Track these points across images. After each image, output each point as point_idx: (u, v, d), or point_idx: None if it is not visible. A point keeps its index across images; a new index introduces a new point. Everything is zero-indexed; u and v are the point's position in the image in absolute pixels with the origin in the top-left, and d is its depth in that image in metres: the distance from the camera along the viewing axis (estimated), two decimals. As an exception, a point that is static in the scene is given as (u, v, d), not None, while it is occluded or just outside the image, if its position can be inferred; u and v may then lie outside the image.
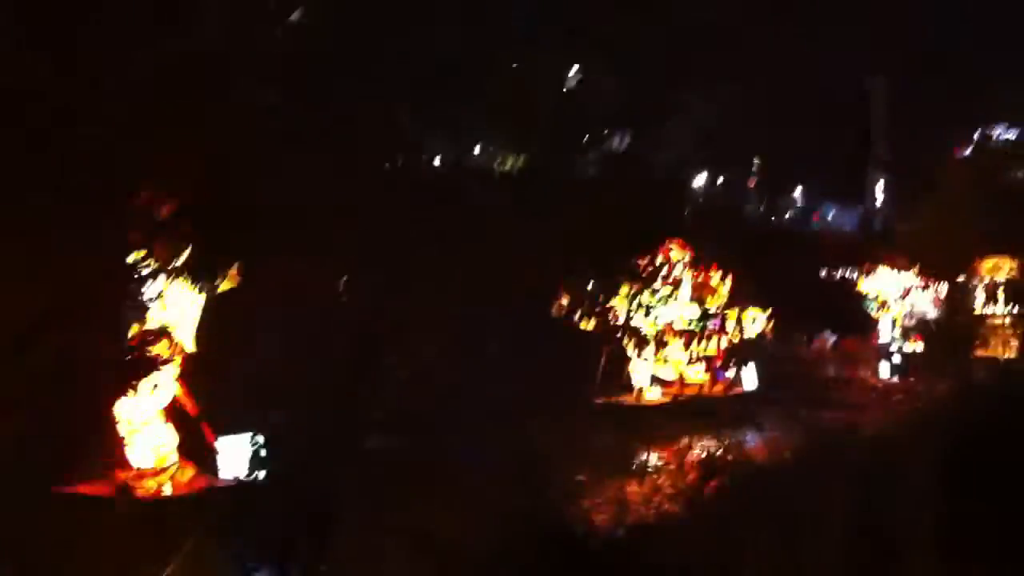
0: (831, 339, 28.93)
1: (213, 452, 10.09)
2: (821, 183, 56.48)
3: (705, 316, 17.86)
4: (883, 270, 27.91)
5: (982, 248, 31.81)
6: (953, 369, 22.90)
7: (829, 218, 49.09)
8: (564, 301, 15.78)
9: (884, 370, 25.70)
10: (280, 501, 10.19)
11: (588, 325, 16.21)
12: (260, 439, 10.64)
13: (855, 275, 30.08)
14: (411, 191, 18.58)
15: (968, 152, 42.95)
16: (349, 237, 14.91)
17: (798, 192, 57.25)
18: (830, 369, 26.63)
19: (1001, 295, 31.10)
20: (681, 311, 17.48)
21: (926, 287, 27.47)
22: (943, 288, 28.13)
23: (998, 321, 30.56)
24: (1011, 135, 42.69)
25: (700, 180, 56.43)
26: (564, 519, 10.42)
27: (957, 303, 29.59)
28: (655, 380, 17.60)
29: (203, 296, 9.75)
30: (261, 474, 10.61)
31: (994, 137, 42.76)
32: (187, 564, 8.29)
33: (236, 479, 10.22)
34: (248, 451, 10.54)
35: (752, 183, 52.98)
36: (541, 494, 11.62)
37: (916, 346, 27.07)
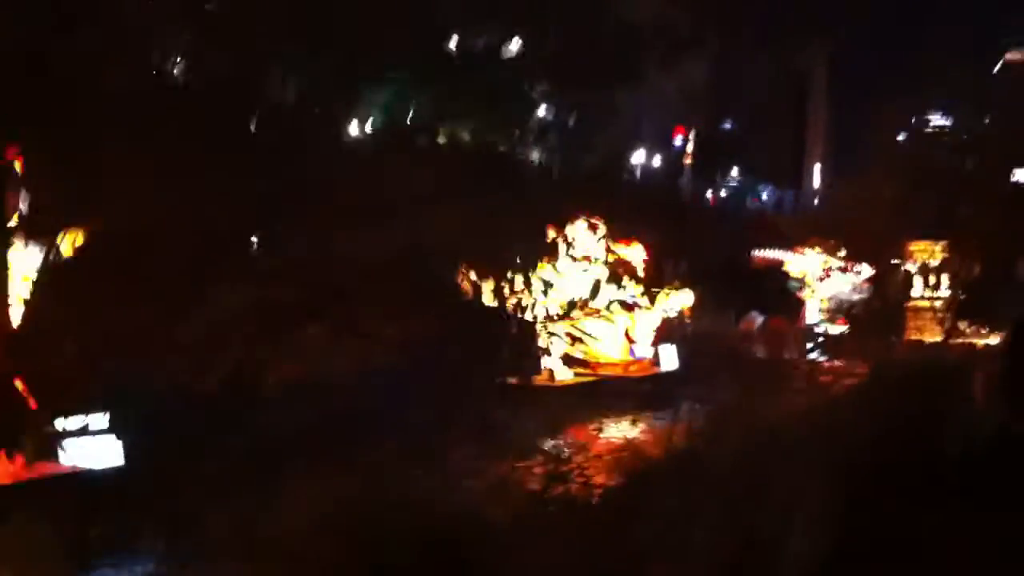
0: (758, 319, 28.20)
1: (47, 437, 8.88)
2: (759, 163, 56.14)
3: (621, 293, 16.91)
4: (809, 252, 27.28)
5: (914, 232, 31.33)
6: (876, 351, 22.22)
7: (764, 198, 48.74)
8: (471, 277, 14.68)
9: (809, 351, 25.05)
10: (130, 492, 9.06)
11: (492, 302, 15.14)
12: (105, 420, 9.44)
13: (785, 256, 29.49)
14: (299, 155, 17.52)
15: (903, 137, 42.50)
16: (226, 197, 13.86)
17: (734, 172, 56.81)
18: (757, 350, 25.92)
19: (932, 279, 30.64)
20: (595, 286, 16.53)
21: (847, 270, 26.88)
22: (865, 271, 27.54)
23: (926, 304, 30.06)
24: (947, 121, 42.38)
25: (637, 156, 55.81)
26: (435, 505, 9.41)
27: (886, 286, 29.03)
28: (571, 361, 16.67)
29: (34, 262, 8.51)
30: (109, 461, 9.42)
31: (930, 123, 42.44)
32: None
33: (75, 467, 9.00)
34: (96, 434, 9.33)
35: (687, 160, 52.45)
36: (421, 478, 10.64)
37: (842, 328, 26.47)
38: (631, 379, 16.99)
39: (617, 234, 18.08)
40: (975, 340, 27.54)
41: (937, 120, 43.20)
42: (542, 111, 54.17)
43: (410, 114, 40.03)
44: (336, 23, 34.54)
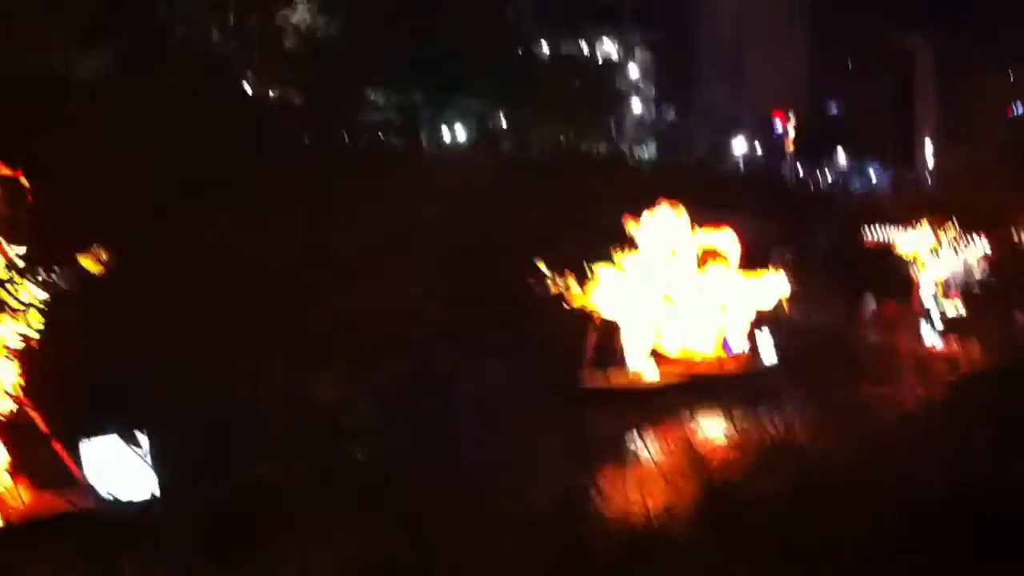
0: (871, 304, 26.28)
1: (70, 467, 8.13)
2: (866, 145, 53.52)
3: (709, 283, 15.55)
4: (922, 229, 25.24)
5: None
6: (996, 335, 20.19)
7: (874, 180, 46.29)
8: (545, 274, 13.55)
9: (926, 336, 23.02)
10: (174, 524, 8.23)
11: (576, 300, 13.97)
12: (144, 444, 8.63)
13: (896, 236, 27.46)
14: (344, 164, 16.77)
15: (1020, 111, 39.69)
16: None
17: (840, 154, 54.33)
18: (871, 337, 24.05)
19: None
20: (681, 277, 15.21)
21: (960, 246, 24.71)
22: (981, 247, 25.31)
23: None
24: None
25: (739, 146, 53.94)
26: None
27: (1005, 262, 26.69)
28: (658, 358, 15.39)
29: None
30: (147, 489, 8.63)
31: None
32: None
33: (110, 496, 8.22)
34: (125, 459, 8.53)
35: (789, 146, 50.24)
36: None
37: (957, 306, 24.35)
38: (727, 376, 15.56)
39: (705, 221, 16.72)
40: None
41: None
42: (637, 108, 53.04)
43: (502, 119, 39.41)
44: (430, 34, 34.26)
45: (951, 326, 23.46)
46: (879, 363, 18.96)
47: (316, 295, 15.57)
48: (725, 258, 15.91)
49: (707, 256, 16.00)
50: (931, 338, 22.98)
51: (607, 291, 14.13)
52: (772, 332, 17.93)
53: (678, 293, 15.02)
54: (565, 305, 14.07)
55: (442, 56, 34.55)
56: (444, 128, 37.71)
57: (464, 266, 17.01)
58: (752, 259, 28.38)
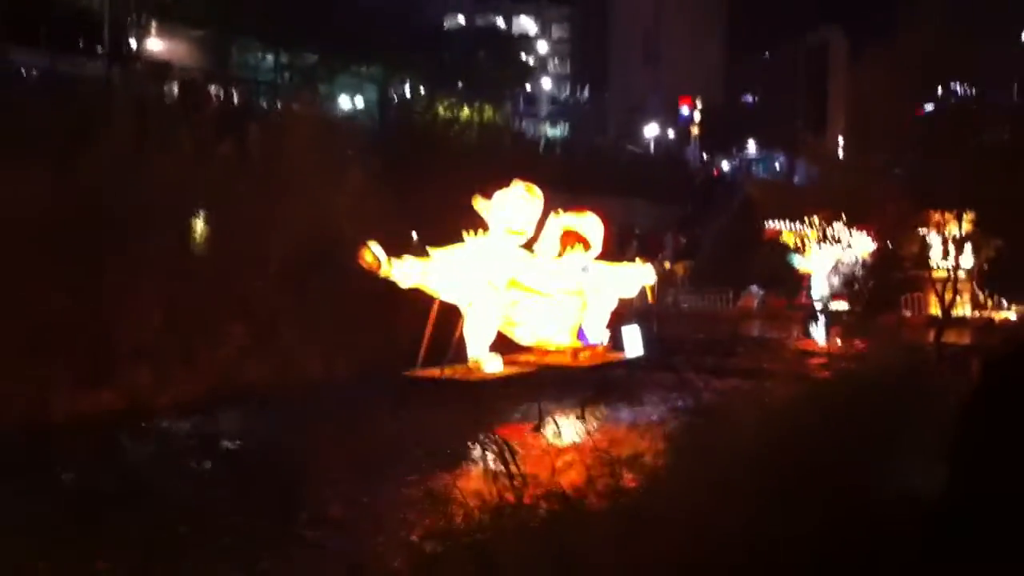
0: (758, 295, 25.43)
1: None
2: (778, 136, 52.96)
3: (565, 269, 14.28)
4: (815, 222, 24.45)
5: (935, 202, 28.27)
6: (876, 333, 19.36)
7: (777, 169, 45.62)
8: (375, 253, 12.08)
9: (810, 331, 22.23)
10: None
11: (407, 284, 12.53)
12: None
13: (789, 227, 26.65)
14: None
15: (929, 109, 39.25)
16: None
17: (751, 144, 53.72)
18: (754, 329, 23.21)
19: (952, 250, 27.55)
20: (536, 263, 13.90)
21: (850, 239, 23.96)
22: (872, 240, 24.60)
23: (945, 275, 26.98)
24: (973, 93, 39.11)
25: (650, 129, 52.92)
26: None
27: (895, 258, 26.04)
28: (510, 348, 14.12)
29: None
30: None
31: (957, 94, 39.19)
32: None
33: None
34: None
35: (694, 131, 49.42)
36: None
37: (841, 305, 23.61)
38: (581, 368, 14.34)
39: (571, 204, 15.45)
40: (995, 314, 24.57)
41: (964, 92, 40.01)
42: (548, 85, 51.69)
43: (404, 90, 37.78)
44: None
45: (835, 322, 22.71)
46: (754, 357, 17.97)
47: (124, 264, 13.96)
48: (586, 242, 14.60)
49: (569, 241, 14.69)
50: (814, 333, 22.19)
51: (446, 274, 12.73)
52: (642, 322, 16.85)
53: (530, 278, 13.67)
54: (401, 288, 12.64)
55: (339, 19, 32.87)
56: (341, 95, 35.99)
57: (303, 243, 15.50)
58: (645, 243, 27.46)
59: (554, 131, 46.80)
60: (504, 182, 14.11)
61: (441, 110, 35.24)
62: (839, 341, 20.12)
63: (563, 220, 14.76)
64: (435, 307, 12.79)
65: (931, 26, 27.01)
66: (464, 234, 13.33)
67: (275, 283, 14.79)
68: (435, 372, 12.50)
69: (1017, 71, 32.86)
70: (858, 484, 6.45)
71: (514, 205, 13.38)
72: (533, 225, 13.61)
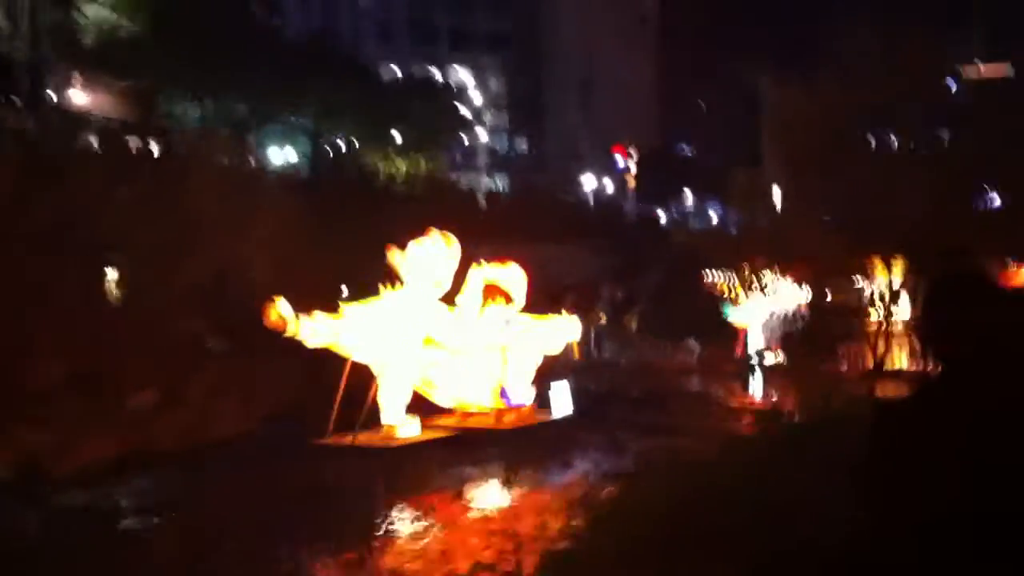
0: (696, 349, 24.84)
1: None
2: (714, 184, 53.08)
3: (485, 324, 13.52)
4: (748, 272, 24.02)
5: (874, 249, 28.08)
6: (811, 387, 18.81)
7: (715, 220, 45.48)
8: (282, 311, 11.23)
9: (747, 385, 21.66)
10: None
11: (317, 342, 11.68)
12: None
13: (724, 277, 26.28)
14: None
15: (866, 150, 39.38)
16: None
17: (687, 193, 53.74)
18: (691, 383, 22.55)
19: (886, 298, 27.32)
20: (454, 318, 13.12)
21: (791, 287, 23.55)
22: (806, 290, 24.23)
23: (886, 325, 26.68)
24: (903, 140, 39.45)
25: (588, 181, 52.73)
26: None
27: (831, 309, 25.69)
28: (428, 411, 13.31)
29: None
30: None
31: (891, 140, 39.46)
32: None
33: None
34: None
35: (631, 181, 49.20)
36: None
37: (777, 355, 23.10)
38: (505, 432, 13.51)
39: (491, 256, 14.74)
40: (932, 367, 24.21)
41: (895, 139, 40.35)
42: (484, 136, 51.40)
43: (335, 141, 37.06)
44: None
45: (772, 375, 22.20)
46: (688, 413, 17.31)
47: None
48: (509, 297, 13.87)
49: (490, 294, 13.95)
50: (752, 387, 21.63)
51: (359, 332, 11.90)
52: (570, 379, 16.13)
53: (447, 335, 12.87)
54: (309, 347, 11.78)
55: (267, 68, 32.12)
56: (272, 146, 35.17)
57: (214, 297, 14.60)
58: (581, 294, 26.81)
59: (492, 182, 46.36)
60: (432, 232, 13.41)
61: (375, 161, 34.56)
62: (774, 396, 19.58)
63: (485, 272, 14.04)
64: (347, 368, 11.92)
65: (855, 72, 26.96)
66: (381, 288, 12.58)
67: (184, 337, 13.86)
68: (347, 439, 11.61)
69: (946, 115, 33.03)
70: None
71: (430, 257, 12.63)
72: (450, 277, 12.85)
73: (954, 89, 35.23)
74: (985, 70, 45.60)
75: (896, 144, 31.31)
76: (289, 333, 11.28)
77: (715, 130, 54.54)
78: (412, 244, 12.60)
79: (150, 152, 24.06)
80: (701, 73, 54.57)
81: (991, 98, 36.14)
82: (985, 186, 29.81)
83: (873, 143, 30.74)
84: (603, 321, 26.43)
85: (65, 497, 10.57)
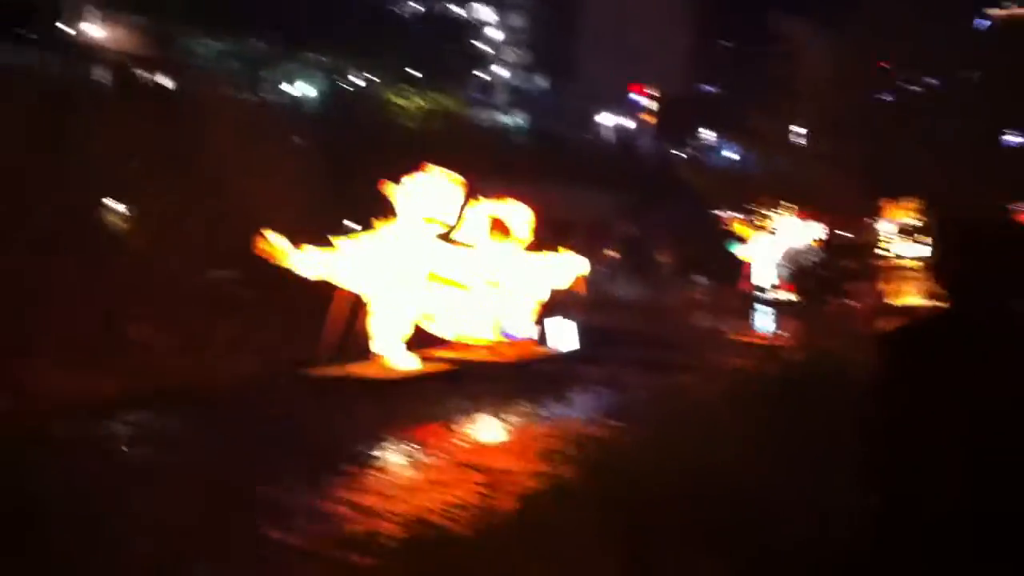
0: (704, 285, 24.72)
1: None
2: (741, 126, 52.29)
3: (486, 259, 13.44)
4: (763, 210, 23.76)
5: (888, 191, 27.71)
6: (821, 323, 18.68)
7: (735, 158, 44.89)
8: (273, 242, 11.21)
9: (755, 322, 21.53)
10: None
11: (311, 273, 11.66)
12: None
13: (740, 216, 26.00)
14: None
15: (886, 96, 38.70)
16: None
17: (709, 133, 53.00)
18: (701, 319, 22.43)
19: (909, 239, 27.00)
20: (454, 252, 13.05)
21: (800, 227, 23.29)
22: (822, 230, 23.95)
23: (908, 264, 26.36)
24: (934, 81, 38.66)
25: (610, 118, 52.15)
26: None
27: (847, 247, 25.43)
28: (429, 342, 13.30)
29: None
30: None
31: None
32: None
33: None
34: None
35: (648, 119, 48.70)
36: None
37: (789, 295, 22.93)
38: (504, 365, 13.50)
39: (498, 192, 14.62)
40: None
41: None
42: (506, 73, 50.79)
43: (353, 78, 36.78)
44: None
45: (781, 312, 22.06)
46: (695, 350, 17.20)
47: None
48: (511, 232, 13.76)
49: (493, 229, 13.85)
50: (762, 324, 21.50)
51: (354, 264, 11.86)
52: (576, 315, 16.07)
53: (447, 269, 12.81)
54: (304, 279, 11.76)
55: (285, 5, 31.86)
56: (290, 83, 34.96)
57: (221, 233, 14.55)
58: (592, 232, 26.65)
59: (512, 120, 45.93)
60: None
61: (392, 98, 34.29)
62: (784, 332, 19.46)
63: (486, 208, 13.93)
64: (341, 300, 11.90)
65: (883, 15, 26.39)
66: (375, 222, 12.51)
67: (187, 274, 13.88)
68: (341, 370, 11.62)
69: (970, 58, 32.28)
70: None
71: (429, 192, 12.51)
72: (453, 214, 12.74)
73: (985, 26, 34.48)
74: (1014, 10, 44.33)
75: (922, 88, 30.73)
76: (283, 263, 11.26)
77: (740, 73, 53.63)
78: (406, 178, 12.47)
79: (164, 88, 23.98)
80: (728, 15, 53.44)
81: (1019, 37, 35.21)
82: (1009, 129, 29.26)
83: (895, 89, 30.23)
84: (615, 257, 26.33)
85: (59, 428, 10.66)
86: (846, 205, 26.03)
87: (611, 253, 25.58)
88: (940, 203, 24.86)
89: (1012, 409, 2.64)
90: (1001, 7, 44.63)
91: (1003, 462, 2.64)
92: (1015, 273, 2.80)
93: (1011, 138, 31.67)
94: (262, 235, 11.09)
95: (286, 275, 11.73)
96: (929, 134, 26.35)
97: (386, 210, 12.48)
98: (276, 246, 11.15)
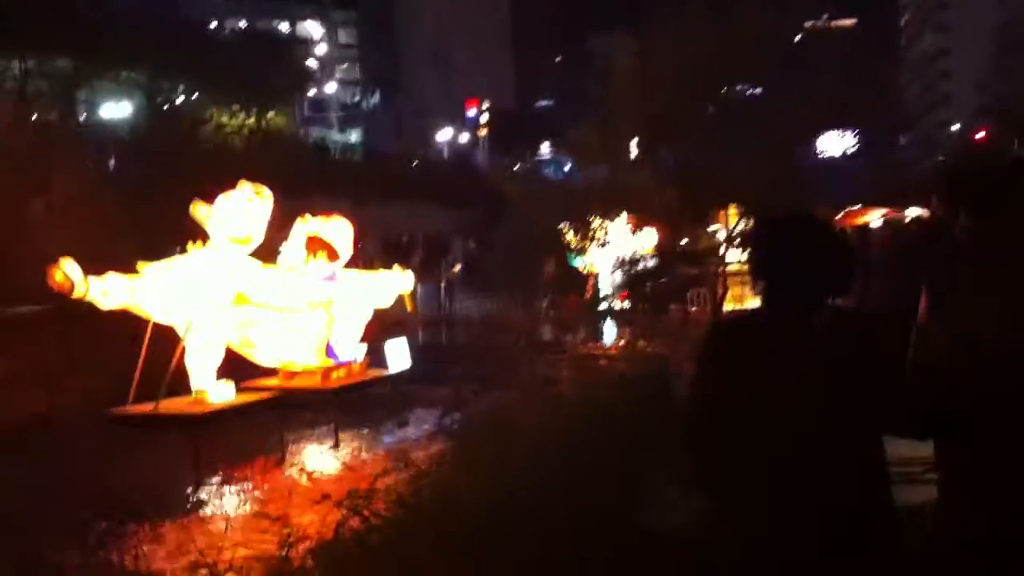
0: (546, 299, 24.58)
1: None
2: (571, 140, 52.97)
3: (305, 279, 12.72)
4: (596, 221, 23.82)
5: (721, 197, 28.28)
6: (660, 330, 18.75)
7: (566, 170, 45.43)
8: (68, 271, 10.17)
9: (596, 332, 21.50)
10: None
11: (110, 302, 10.65)
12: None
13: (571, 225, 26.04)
14: None
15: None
16: None
17: (545, 148, 53.48)
18: (541, 333, 22.25)
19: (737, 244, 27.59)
20: (269, 274, 12.26)
21: (635, 233, 23.47)
22: (653, 237, 24.21)
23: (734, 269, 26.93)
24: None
25: (444, 134, 51.83)
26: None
27: (680, 252, 25.80)
28: (252, 373, 12.48)
29: None
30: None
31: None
32: None
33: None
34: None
35: (481, 133, 48.78)
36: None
37: (624, 304, 23.05)
38: (334, 389, 12.79)
39: (324, 210, 13.94)
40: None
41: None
42: (333, 89, 49.83)
43: (172, 96, 35.06)
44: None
45: (621, 322, 22.12)
46: (534, 363, 16.87)
47: None
48: (332, 249, 13.08)
49: (314, 248, 13.13)
50: (600, 334, 21.46)
51: (159, 291, 10.92)
52: (409, 333, 15.55)
53: (263, 292, 12.00)
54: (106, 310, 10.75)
55: (95, 20, 29.96)
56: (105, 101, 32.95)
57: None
58: (430, 247, 26.18)
59: (343, 137, 44.91)
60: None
61: (215, 116, 32.85)
62: (621, 342, 19.42)
63: (309, 226, 13.21)
64: (148, 331, 10.93)
65: (708, 27, 26.97)
66: (188, 246, 11.62)
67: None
68: (149, 407, 10.66)
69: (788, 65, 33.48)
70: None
71: (238, 210, 11.69)
72: (261, 231, 11.95)
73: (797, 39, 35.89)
74: (829, 22, 46.50)
75: (735, 97, 31.65)
76: (78, 295, 10.24)
77: (565, 89, 54.44)
78: (220, 197, 11.64)
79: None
80: (553, 35, 54.20)
81: (833, 47, 36.86)
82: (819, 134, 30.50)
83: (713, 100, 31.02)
84: (454, 273, 25.93)
85: None
86: (677, 212, 26.43)
87: (450, 269, 25.17)
88: (760, 208, 25.60)
89: (794, 398, 2.81)
90: (817, 18, 46.84)
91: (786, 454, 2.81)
92: (821, 269, 2.93)
93: (825, 144, 32.96)
94: (56, 264, 10.05)
95: (88, 307, 10.71)
96: (747, 141, 27.10)
97: (198, 233, 11.60)
98: (69, 276, 10.12)
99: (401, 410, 13.78)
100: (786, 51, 31.84)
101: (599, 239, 23.97)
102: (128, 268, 10.95)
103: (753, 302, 15.76)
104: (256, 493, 9.95)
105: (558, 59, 58.94)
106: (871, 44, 43.11)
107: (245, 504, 9.54)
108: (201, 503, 9.57)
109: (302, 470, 10.58)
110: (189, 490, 9.86)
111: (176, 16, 34.16)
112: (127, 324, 11.17)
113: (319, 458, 11.75)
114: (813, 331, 2.87)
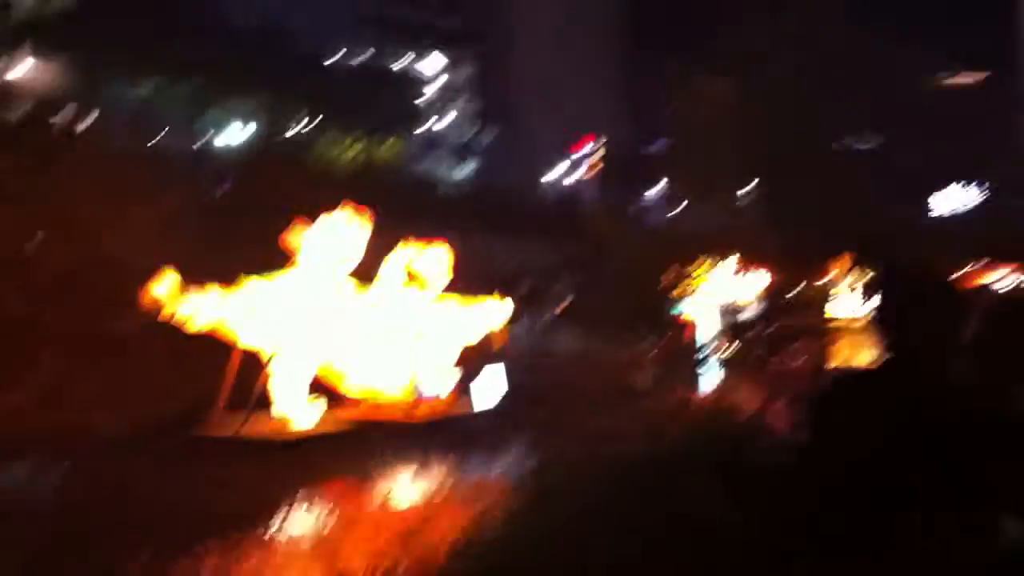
0: (645, 343, 23.92)
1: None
2: (688, 180, 52.23)
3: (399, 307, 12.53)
4: (703, 264, 23.19)
5: (837, 247, 27.43)
6: (760, 383, 17.91)
7: (676, 213, 44.78)
8: (162, 288, 10.19)
9: (697, 381, 20.74)
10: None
11: (200, 321, 10.63)
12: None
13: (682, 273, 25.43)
14: None
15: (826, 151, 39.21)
16: None
17: (656, 187, 52.83)
18: (637, 378, 21.61)
19: (854, 296, 26.63)
20: (363, 300, 12.12)
21: (746, 278, 22.75)
22: (764, 280, 23.40)
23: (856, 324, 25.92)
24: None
25: (554, 171, 51.81)
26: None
27: (791, 303, 24.93)
28: (337, 402, 12.29)
29: None
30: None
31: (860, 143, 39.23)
32: None
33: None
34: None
35: (590, 172, 48.56)
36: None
37: (725, 353, 22.27)
38: (414, 426, 12.47)
39: (423, 238, 13.75)
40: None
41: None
42: (446, 125, 50.37)
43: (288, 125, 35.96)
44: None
45: (723, 370, 21.32)
46: (627, 410, 16.28)
47: None
48: (424, 280, 12.87)
49: (410, 278, 12.97)
50: (698, 383, 20.71)
51: (253, 310, 10.87)
52: (503, 371, 15.14)
53: (356, 319, 11.85)
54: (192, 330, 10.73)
55: (214, 51, 31.01)
56: (220, 129, 33.99)
57: (86, 288, 13.45)
58: (533, 284, 25.85)
59: (454, 170, 45.35)
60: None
61: (327, 146, 33.51)
62: (721, 393, 18.67)
63: (406, 253, 13.05)
64: (236, 353, 10.87)
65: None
66: (287, 267, 11.58)
67: (55, 329, 12.72)
68: (230, 430, 10.56)
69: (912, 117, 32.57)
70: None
71: (336, 235, 11.60)
72: (358, 255, 11.83)
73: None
74: (959, 78, 44.99)
75: (857, 147, 30.79)
76: (168, 313, 10.23)
77: (680, 130, 53.91)
78: (320, 218, 11.58)
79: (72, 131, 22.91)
80: (670, 75, 53.84)
81: (962, 99, 35.76)
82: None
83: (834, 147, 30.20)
84: (554, 312, 25.57)
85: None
86: (783, 262, 25.68)
87: (554, 304, 24.81)
88: (876, 258, 24.55)
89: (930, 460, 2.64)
90: (949, 73, 45.43)
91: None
92: (953, 326, 2.79)
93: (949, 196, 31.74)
94: (150, 283, 10.07)
95: (179, 326, 10.70)
96: (864, 188, 26.21)
97: (294, 256, 11.55)
98: (165, 291, 10.13)
99: (479, 452, 13.35)
100: (912, 102, 30.85)
101: (699, 287, 23.34)
102: (228, 284, 10.95)
103: (858, 359, 14.92)
104: (328, 521, 9.68)
105: (674, 101, 58.43)
106: (1003, 97, 41.67)
107: (306, 532, 9.28)
108: (278, 528, 9.34)
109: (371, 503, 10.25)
110: (267, 514, 9.64)
111: (296, 48, 35.02)
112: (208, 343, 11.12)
113: (391, 491, 11.43)
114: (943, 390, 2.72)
